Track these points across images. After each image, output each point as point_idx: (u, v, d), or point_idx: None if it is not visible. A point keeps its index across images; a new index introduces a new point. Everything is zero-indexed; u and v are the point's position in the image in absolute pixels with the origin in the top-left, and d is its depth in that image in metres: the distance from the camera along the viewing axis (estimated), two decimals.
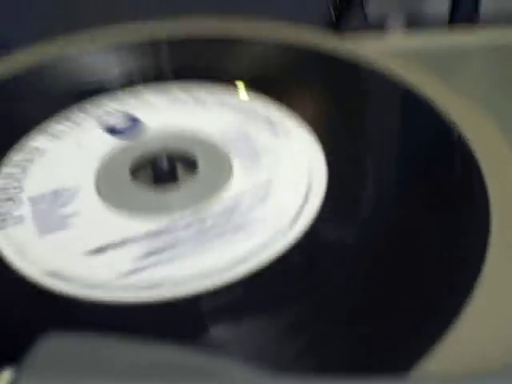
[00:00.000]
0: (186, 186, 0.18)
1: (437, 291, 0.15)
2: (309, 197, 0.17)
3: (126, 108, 0.21)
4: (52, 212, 0.17)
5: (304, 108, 0.21)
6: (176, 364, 0.10)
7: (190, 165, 0.19)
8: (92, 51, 0.24)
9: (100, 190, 0.18)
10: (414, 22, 0.37)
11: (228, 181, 0.18)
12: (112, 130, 0.20)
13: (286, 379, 0.11)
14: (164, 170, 0.18)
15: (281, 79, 0.23)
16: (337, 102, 0.21)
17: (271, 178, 0.18)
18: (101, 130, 0.20)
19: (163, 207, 0.17)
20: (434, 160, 0.19)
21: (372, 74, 0.22)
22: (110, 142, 0.19)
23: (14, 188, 0.18)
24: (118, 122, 0.20)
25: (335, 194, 0.17)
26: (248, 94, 0.22)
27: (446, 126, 0.19)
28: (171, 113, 0.21)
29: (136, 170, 0.19)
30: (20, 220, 0.17)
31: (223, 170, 0.18)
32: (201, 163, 0.19)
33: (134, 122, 0.20)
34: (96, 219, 0.17)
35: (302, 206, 0.17)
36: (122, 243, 0.16)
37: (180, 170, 0.19)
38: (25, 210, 0.17)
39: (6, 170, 0.18)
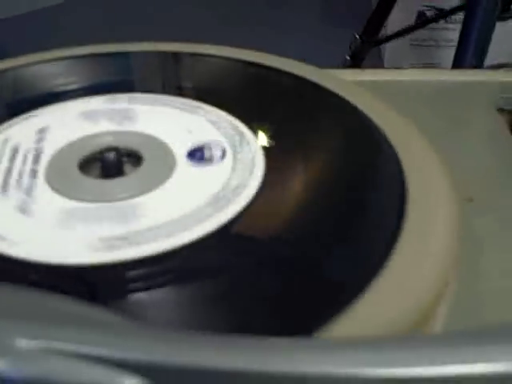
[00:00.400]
0: (131, 177, 0.19)
1: (351, 259, 0.16)
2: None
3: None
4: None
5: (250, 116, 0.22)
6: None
7: (136, 159, 0.20)
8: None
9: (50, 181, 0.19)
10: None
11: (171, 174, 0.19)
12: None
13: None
14: (111, 164, 0.19)
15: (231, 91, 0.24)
16: (278, 109, 0.23)
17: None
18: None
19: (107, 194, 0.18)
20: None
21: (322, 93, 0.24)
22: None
23: None
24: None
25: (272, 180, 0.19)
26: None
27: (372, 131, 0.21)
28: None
29: (84, 165, 0.20)
30: None
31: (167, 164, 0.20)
32: (146, 158, 0.20)
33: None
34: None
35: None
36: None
37: (126, 165, 0.20)
38: None
39: None
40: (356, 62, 0.81)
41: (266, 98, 0.24)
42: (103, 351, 0.11)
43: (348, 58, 0.79)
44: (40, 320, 0.11)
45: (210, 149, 0.20)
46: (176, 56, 0.27)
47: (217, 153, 0.20)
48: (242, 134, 0.21)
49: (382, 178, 0.20)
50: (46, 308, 0.12)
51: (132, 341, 0.11)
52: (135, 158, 0.20)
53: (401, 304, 0.15)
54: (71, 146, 0.20)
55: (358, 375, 0.11)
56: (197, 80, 0.25)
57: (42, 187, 0.18)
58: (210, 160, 0.20)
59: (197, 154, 0.20)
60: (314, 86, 0.23)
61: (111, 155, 0.19)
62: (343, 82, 0.24)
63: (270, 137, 0.21)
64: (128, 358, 0.11)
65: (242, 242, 0.17)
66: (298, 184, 0.19)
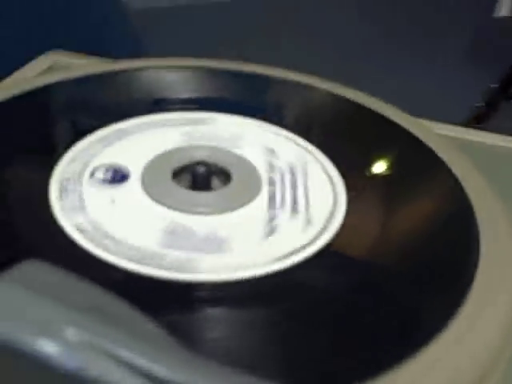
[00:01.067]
0: (219, 193, 0.20)
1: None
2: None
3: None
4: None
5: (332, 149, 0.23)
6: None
7: (225, 177, 0.21)
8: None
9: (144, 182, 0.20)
10: None
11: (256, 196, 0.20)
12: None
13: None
14: (201, 177, 0.20)
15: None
16: (363, 149, 0.23)
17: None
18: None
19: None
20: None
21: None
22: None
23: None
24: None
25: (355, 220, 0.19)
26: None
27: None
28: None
29: (177, 174, 0.20)
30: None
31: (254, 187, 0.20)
32: (235, 177, 0.20)
33: None
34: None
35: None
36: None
37: (215, 180, 0.20)
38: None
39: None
40: (489, 110, 0.78)
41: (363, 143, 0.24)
42: (144, 364, 0.12)
43: (477, 105, 0.76)
44: (92, 315, 0.12)
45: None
46: (286, 85, 0.27)
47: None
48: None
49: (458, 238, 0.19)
50: (102, 305, 0.13)
51: (175, 363, 0.12)
52: (224, 176, 0.21)
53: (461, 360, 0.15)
54: (170, 153, 0.21)
55: None
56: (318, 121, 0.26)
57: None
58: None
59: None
60: (411, 138, 0.23)
61: (202, 169, 0.20)
62: (444, 140, 0.23)
63: (356, 179, 0.21)
64: (168, 379, 0.11)
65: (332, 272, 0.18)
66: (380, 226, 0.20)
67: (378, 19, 1.46)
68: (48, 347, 0.11)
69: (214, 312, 0.16)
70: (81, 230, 0.17)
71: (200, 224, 0.18)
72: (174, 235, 0.18)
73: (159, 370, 0.11)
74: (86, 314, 0.12)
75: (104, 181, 0.20)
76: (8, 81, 0.28)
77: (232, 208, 0.19)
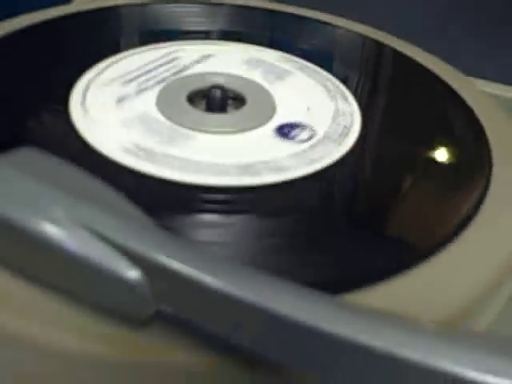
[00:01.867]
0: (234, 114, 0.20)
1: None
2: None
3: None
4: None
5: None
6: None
7: (240, 100, 0.21)
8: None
9: (159, 104, 0.20)
10: None
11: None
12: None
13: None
14: (216, 100, 0.20)
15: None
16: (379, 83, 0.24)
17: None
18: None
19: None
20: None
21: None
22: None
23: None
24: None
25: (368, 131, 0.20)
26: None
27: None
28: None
29: (192, 97, 0.21)
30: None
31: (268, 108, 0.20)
32: (249, 103, 0.21)
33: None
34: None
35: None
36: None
37: (230, 103, 0.21)
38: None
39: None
40: None
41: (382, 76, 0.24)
42: (119, 238, 0.12)
43: None
44: (77, 197, 0.13)
45: (303, 129, 0.20)
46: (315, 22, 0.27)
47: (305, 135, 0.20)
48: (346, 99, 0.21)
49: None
50: (89, 189, 0.13)
51: (146, 236, 0.12)
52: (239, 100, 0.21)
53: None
54: (195, 76, 0.22)
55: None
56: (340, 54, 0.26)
57: (150, 96, 0.20)
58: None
59: (286, 129, 0.20)
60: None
61: (217, 93, 0.20)
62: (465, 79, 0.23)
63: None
64: (137, 250, 0.12)
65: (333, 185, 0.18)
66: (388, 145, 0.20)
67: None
68: (34, 223, 0.12)
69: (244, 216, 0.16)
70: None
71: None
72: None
73: (134, 245, 0.12)
74: (71, 194, 0.13)
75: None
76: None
77: (240, 130, 0.19)
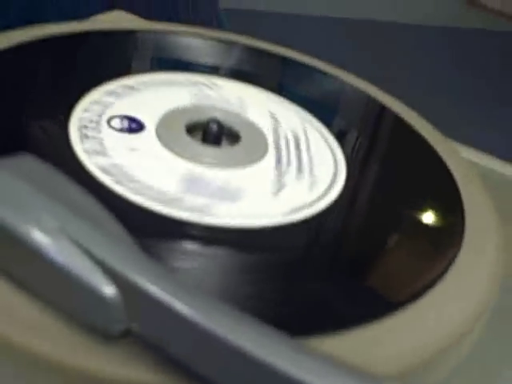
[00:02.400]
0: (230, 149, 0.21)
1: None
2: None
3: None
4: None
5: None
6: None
7: (234, 137, 0.22)
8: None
9: (159, 134, 0.21)
10: None
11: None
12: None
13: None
14: (213, 134, 0.21)
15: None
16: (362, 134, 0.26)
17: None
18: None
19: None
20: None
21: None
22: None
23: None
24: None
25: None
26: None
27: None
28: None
29: (190, 128, 0.22)
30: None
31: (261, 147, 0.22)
32: (243, 137, 0.22)
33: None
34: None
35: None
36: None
37: (224, 139, 0.22)
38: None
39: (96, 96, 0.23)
40: None
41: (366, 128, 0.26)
42: (100, 253, 0.13)
43: None
44: (67, 208, 0.14)
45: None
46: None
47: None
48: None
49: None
50: (78, 202, 0.14)
51: (125, 255, 0.13)
52: (233, 136, 0.22)
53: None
54: (183, 109, 0.23)
55: None
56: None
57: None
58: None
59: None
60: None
61: (215, 126, 0.21)
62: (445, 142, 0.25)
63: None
64: (115, 267, 0.13)
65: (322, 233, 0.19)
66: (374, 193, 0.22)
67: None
68: (22, 227, 0.13)
69: (227, 254, 0.17)
70: (104, 171, 0.19)
71: (214, 175, 0.20)
72: (190, 183, 0.19)
73: (113, 263, 0.13)
74: (60, 204, 0.14)
75: (121, 130, 0.21)
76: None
77: (243, 164, 0.20)
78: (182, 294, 0.13)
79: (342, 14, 1.50)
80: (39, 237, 0.13)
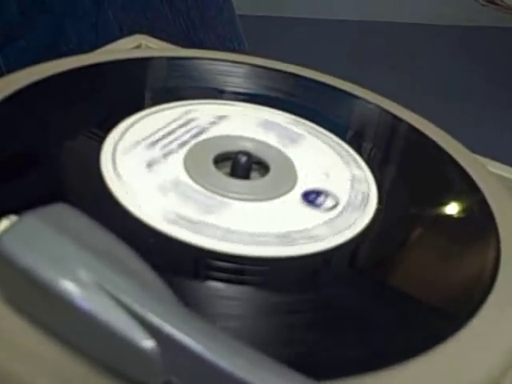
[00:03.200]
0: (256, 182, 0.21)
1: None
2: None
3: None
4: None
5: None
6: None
7: (263, 168, 0.22)
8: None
9: (187, 168, 0.21)
10: None
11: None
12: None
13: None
14: (241, 166, 0.21)
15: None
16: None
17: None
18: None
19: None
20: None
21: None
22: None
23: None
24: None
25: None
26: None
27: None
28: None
29: (218, 161, 0.22)
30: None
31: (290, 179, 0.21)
32: (272, 169, 0.21)
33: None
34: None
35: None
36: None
37: (253, 171, 0.22)
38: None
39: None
40: None
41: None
42: (138, 308, 0.13)
43: None
44: (103, 260, 0.14)
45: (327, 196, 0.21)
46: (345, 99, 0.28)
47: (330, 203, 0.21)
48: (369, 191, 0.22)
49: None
50: (115, 253, 0.14)
51: (164, 309, 0.13)
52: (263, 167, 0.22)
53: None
54: (218, 138, 0.23)
55: None
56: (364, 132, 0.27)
57: (177, 159, 0.21)
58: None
59: (311, 196, 0.21)
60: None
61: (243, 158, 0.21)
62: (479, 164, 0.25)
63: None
64: (154, 322, 0.13)
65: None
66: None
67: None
68: (59, 281, 0.13)
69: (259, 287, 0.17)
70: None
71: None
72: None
73: (151, 317, 0.13)
74: (98, 257, 0.14)
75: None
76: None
77: (269, 197, 0.20)
78: (219, 347, 0.12)
79: (350, 16, 1.49)
80: (76, 291, 0.13)
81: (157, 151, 0.22)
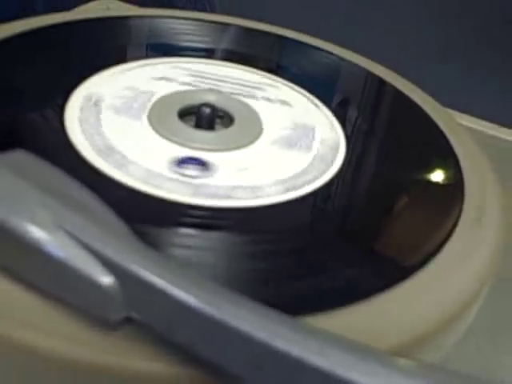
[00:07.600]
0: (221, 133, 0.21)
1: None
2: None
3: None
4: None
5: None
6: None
7: (228, 119, 0.22)
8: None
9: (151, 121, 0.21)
10: None
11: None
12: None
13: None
14: (206, 118, 0.21)
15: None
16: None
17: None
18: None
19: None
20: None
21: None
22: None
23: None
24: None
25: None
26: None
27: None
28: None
29: (183, 114, 0.22)
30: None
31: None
32: (237, 120, 0.21)
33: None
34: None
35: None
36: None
37: (218, 122, 0.22)
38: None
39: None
40: None
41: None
42: (97, 245, 0.13)
43: None
44: (62, 202, 0.14)
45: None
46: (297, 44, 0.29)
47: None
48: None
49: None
50: (74, 196, 0.14)
51: (122, 245, 0.13)
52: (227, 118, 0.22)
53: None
54: (178, 93, 0.23)
55: None
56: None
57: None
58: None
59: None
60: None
61: (207, 110, 0.21)
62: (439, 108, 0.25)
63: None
64: (112, 258, 0.13)
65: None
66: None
67: None
68: (19, 223, 0.13)
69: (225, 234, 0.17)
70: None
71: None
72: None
73: (110, 253, 0.13)
74: (57, 199, 0.13)
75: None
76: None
77: (234, 147, 0.20)
78: (179, 279, 0.13)
79: None
80: (35, 232, 0.13)
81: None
